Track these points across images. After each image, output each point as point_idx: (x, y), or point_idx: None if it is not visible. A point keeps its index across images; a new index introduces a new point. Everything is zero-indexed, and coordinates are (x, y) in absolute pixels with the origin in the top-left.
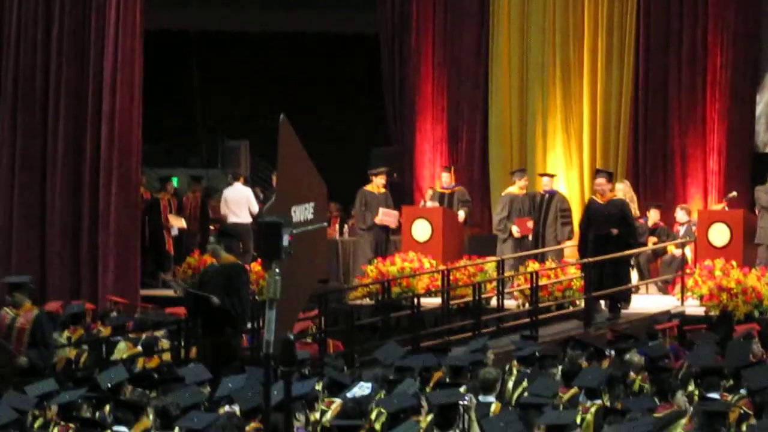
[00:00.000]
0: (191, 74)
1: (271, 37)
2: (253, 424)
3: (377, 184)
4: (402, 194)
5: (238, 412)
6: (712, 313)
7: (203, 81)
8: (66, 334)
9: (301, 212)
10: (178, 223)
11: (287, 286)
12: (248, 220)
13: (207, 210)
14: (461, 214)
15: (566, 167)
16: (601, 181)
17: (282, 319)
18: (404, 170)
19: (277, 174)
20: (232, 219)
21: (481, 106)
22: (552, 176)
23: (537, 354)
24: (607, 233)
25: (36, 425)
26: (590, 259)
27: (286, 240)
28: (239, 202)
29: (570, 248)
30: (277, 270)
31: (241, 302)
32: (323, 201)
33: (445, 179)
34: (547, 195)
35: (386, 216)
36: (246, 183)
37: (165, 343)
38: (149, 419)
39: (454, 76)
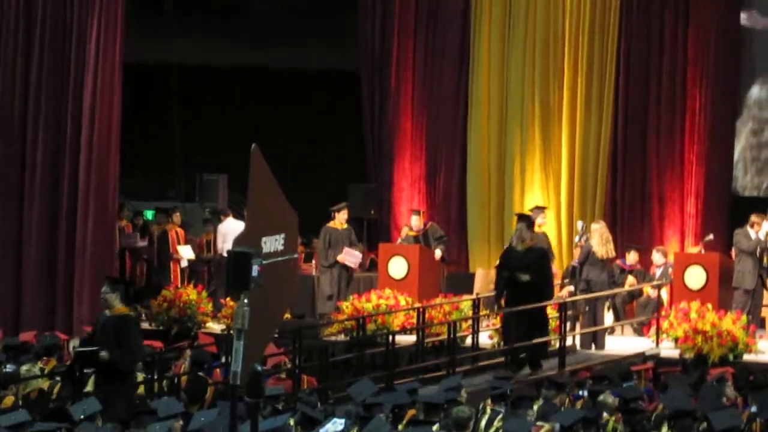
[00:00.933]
0: (170, 108)
1: (253, 71)
2: None
3: (340, 219)
4: (379, 231)
5: None
6: (686, 356)
7: (182, 114)
8: (39, 365)
9: (272, 243)
10: (187, 254)
11: (256, 317)
12: None
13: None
14: (438, 252)
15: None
16: (520, 226)
17: (250, 351)
18: (382, 207)
19: (247, 204)
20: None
21: (460, 145)
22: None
23: (510, 392)
24: (522, 281)
25: None
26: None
27: (255, 270)
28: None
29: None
30: (245, 301)
31: (132, 355)
32: (294, 232)
33: (415, 222)
34: None
35: (348, 255)
36: (236, 217)
37: (140, 376)
38: None
39: (433, 115)
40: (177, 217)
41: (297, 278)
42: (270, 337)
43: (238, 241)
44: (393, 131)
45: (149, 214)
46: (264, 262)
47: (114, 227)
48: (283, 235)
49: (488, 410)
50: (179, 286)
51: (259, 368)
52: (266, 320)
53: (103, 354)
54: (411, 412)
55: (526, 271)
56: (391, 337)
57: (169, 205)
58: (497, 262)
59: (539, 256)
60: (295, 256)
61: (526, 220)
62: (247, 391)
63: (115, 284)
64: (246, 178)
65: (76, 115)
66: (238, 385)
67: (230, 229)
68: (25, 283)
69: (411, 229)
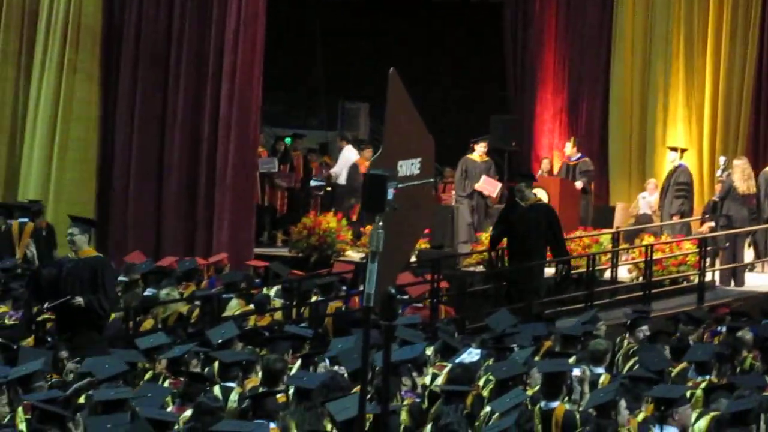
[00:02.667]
0: (314, 35)
1: (397, 1)
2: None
3: (479, 152)
4: (520, 163)
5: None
6: None
7: (325, 42)
8: (178, 289)
9: (408, 167)
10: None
11: (390, 240)
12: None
13: (309, 168)
14: (578, 184)
15: (687, 142)
16: (520, 186)
17: (384, 274)
18: (523, 139)
19: (384, 127)
20: (341, 180)
21: (603, 78)
22: (677, 150)
23: (648, 327)
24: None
25: (145, 378)
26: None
27: (390, 194)
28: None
29: (694, 221)
30: (380, 223)
31: (108, 299)
32: (430, 157)
33: (568, 150)
34: (672, 168)
35: (487, 184)
36: (355, 146)
37: (277, 302)
38: (258, 377)
39: (576, 47)
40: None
41: (432, 203)
42: (405, 261)
43: (374, 163)
44: (535, 63)
45: (288, 140)
46: (399, 185)
47: (255, 154)
48: (419, 160)
49: (625, 344)
50: (318, 213)
51: (393, 291)
52: (401, 244)
53: (78, 300)
54: (548, 344)
55: (533, 225)
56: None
57: (312, 134)
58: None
59: (546, 212)
60: (431, 180)
61: (527, 179)
62: (382, 314)
63: (84, 225)
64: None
65: (219, 42)
66: (371, 308)
67: (345, 156)
68: (165, 209)
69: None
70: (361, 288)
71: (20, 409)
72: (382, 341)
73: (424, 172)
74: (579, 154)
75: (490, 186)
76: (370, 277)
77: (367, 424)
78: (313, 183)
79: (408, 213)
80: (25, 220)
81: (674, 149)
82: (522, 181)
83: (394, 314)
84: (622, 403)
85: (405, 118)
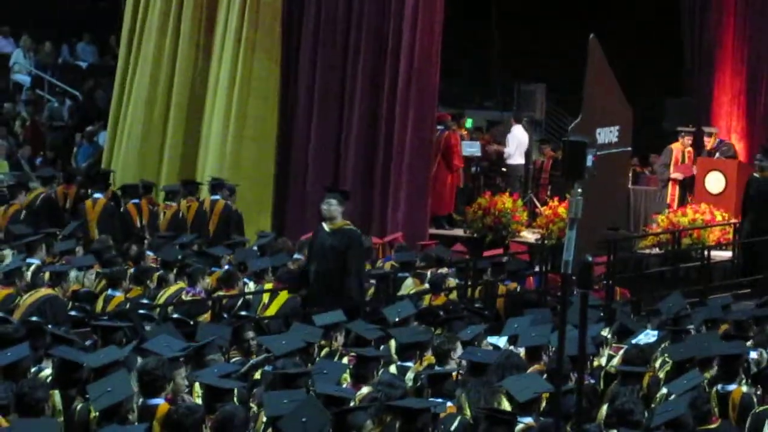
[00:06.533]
0: (489, 14)
1: None
2: (537, 366)
3: (684, 144)
4: (695, 146)
5: (522, 353)
6: None
7: (501, 22)
8: None
9: (606, 135)
10: (470, 149)
11: (589, 207)
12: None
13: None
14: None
15: None
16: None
17: (582, 241)
18: (700, 123)
19: (583, 94)
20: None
21: None
22: None
23: None
24: None
25: (322, 354)
26: None
27: (590, 160)
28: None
29: None
30: (579, 190)
31: (360, 284)
32: (628, 126)
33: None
34: None
35: (682, 170)
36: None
37: (452, 282)
38: (431, 355)
39: (756, 28)
40: (463, 121)
41: (628, 171)
42: (604, 228)
43: (573, 130)
44: (713, 44)
45: (469, 123)
46: (598, 153)
47: (432, 134)
48: (617, 128)
49: None
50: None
51: (590, 259)
52: (600, 211)
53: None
54: (723, 327)
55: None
56: (705, 253)
57: (486, 115)
58: None
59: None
60: (629, 149)
61: (338, 196)
62: (578, 281)
63: (341, 196)
64: (562, 89)
65: (398, 21)
66: (569, 274)
67: (513, 136)
68: (342, 186)
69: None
70: (536, 269)
71: (197, 384)
72: (556, 322)
73: (622, 140)
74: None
75: (684, 171)
76: (569, 245)
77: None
78: (466, 151)
79: (607, 180)
80: (217, 197)
81: None
82: (762, 152)
83: (590, 282)
84: None
85: (604, 87)
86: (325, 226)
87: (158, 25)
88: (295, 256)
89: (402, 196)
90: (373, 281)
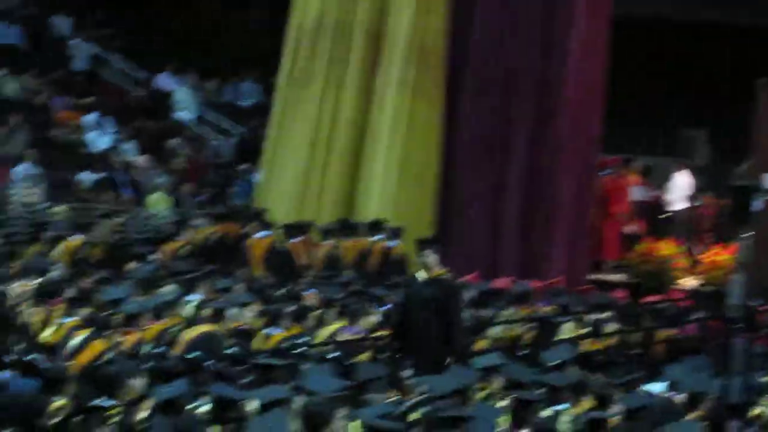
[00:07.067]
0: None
1: (704, 26)
2: (698, 412)
3: None
4: None
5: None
6: None
7: (663, 68)
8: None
9: None
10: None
11: (759, 251)
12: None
13: None
14: None
15: None
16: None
17: (749, 286)
18: None
19: (753, 138)
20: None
21: None
22: None
23: None
24: None
25: (479, 396)
26: None
27: (757, 205)
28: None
29: None
30: (745, 234)
31: (461, 330)
32: None
33: None
34: None
35: None
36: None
37: (611, 327)
38: (591, 400)
39: None
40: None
41: None
42: None
43: (740, 174)
44: None
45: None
46: (765, 198)
47: (592, 181)
48: None
49: None
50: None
51: (757, 305)
52: None
53: None
54: None
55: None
56: None
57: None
58: None
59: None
60: None
61: (434, 246)
62: (744, 327)
63: (436, 245)
64: (725, 134)
65: (560, 72)
66: (734, 319)
67: (677, 183)
68: (503, 231)
69: None
70: (697, 316)
71: (351, 424)
72: (713, 368)
73: None
74: None
75: None
76: (735, 289)
77: None
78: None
79: None
80: (378, 238)
81: None
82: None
83: (756, 326)
84: None
85: None
86: (421, 276)
87: (323, 68)
88: None
89: (561, 244)
90: (532, 324)
